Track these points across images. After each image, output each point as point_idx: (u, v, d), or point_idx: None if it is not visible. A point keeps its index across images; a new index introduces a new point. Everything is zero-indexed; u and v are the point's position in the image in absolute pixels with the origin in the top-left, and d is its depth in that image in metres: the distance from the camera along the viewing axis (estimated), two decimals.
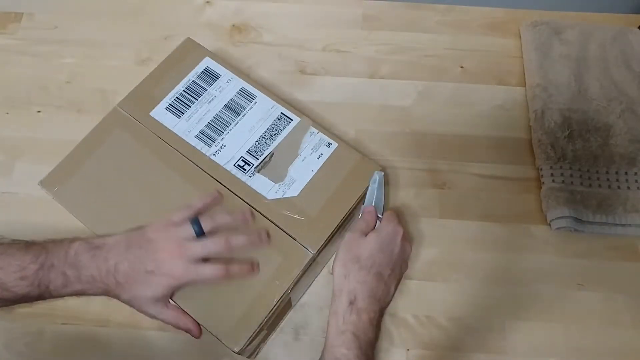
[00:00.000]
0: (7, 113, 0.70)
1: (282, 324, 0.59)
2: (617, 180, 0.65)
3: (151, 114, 0.57)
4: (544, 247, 0.63)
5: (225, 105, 0.58)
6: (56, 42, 0.74)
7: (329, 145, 0.56)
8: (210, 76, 0.60)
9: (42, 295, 0.44)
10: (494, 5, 0.79)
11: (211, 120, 0.57)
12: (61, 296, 0.45)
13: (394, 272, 0.50)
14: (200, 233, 0.48)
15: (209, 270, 0.48)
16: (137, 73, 0.61)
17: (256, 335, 0.49)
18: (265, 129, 0.57)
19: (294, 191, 0.54)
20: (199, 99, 0.58)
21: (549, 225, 0.64)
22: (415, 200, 0.65)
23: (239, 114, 0.58)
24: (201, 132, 0.57)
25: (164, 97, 0.58)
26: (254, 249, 0.50)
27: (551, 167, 0.65)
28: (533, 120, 0.69)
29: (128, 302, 0.47)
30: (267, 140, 0.56)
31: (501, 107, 0.72)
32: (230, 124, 0.57)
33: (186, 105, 0.58)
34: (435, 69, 0.74)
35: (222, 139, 0.56)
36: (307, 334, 0.58)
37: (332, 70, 0.73)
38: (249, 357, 0.55)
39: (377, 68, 0.74)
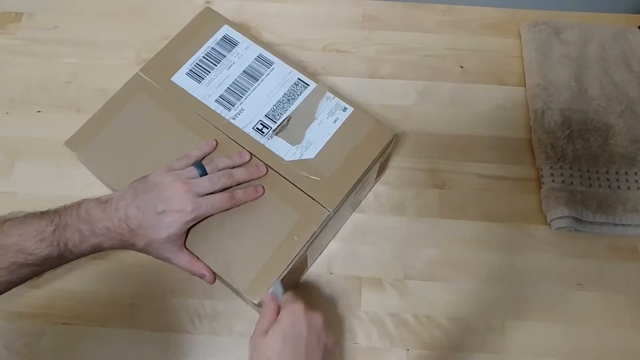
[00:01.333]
0: (7, 113, 0.70)
1: None
2: (617, 180, 0.65)
3: (172, 79, 0.59)
4: (544, 247, 0.63)
5: (244, 71, 0.60)
6: (56, 42, 0.74)
7: (344, 109, 0.57)
8: (229, 43, 0.61)
9: (63, 255, 0.45)
10: (494, 5, 0.79)
11: (230, 85, 0.59)
12: (82, 254, 0.47)
13: (311, 354, 0.45)
14: (203, 174, 0.51)
15: (217, 198, 0.50)
16: None
17: (277, 288, 0.50)
18: (283, 94, 0.58)
19: (310, 153, 0.55)
20: (218, 65, 0.60)
21: (549, 225, 0.63)
22: (415, 200, 0.65)
23: (257, 80, 0.59)
24: (221, 96, 0.58)
25: (185, 63, 0.60)
26: (254, 179, 0.53)
27: (551, 167, 0.65)
28: (533, 120, 0.69)
29: (145, 249, 0.49)
30: (285, 105, 0.58)
31: (501, 107, 0.72)
32: (249, 89, 0.59)
33: (206, 71, 0.60)
34: (435, 69, 0.74)
35: (241, 103, 0.58)
36: None
37: (332, 70, 0.73)
38: None
39: (377, 68, 0.74)
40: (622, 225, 0.63)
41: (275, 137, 0.56)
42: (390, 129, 0.57)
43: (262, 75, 0.59)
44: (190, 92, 0.58)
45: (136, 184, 0.49)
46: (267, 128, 0.56)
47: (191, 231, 0.51)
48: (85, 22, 0.76)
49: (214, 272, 0.51)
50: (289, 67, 0.60)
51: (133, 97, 0.58)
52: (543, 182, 0.65)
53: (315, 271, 0.61)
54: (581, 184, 0.64)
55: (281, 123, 0.56)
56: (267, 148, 0.55)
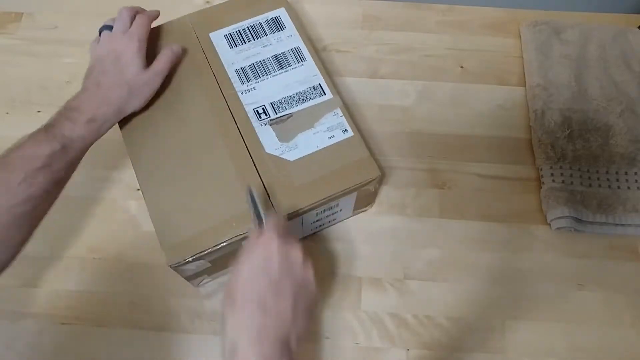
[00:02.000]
0: (7, 113, 0.70)
1: None
2: (617, 180, 0.65)
3: (210, 34, 0.61)
4: (544, 247, 0.63)
5: (275, 56, 0.61)
6: (56, 42, 0.75)
7: (345, 131, 0.57)
8: (276, 25, 0.63)
9: (66, 146, 0.48)
10: (494, 5, 0.79)
11: (256, 63, 0.60)
12: (82, 138, 0.49)
13: (284, 294, 0.40)
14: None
15: (137, 20, 0.57)
16: None
17: (195, 261, 0.51)
18: (297, 92, 0.58)
19: (291, 156, 0.55)
20: (256, 40, 0.62)
21: (549, 225, 0.64)
22: (415, 200, 0.65)
23: (282, 68, 0.60)
24: (242, 68, 0.60)
25: (228, 26, 0.62)
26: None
27: (551, 167, 0.65)
28: (533, 120, 0.69)
29: (130, 92, 0.53)
30: (294, 102, 0.58)
31: (501, 107, 0.72)
32: (270, 73, 0.60)
33: (242, 41, 0.61)
34: (435, 69, 0.74)
35: (256, 82, 0.59)
36: None
37: (332, 70, 0.73)
38: (196, 285, 0.59)
39: (377, 68, 0.74)
40: (622, 225, 0.63)
41: (269, 126, 0.56)
42: (377, 169, 0.55)
43: (290, 66, 0.60)
44: (219, 53, 0.60)
45: (88, 72, 0.54)
46: (266, 115, 0.57)
47: (152, 168, 0.54)
48: (85, 22, 0.76)
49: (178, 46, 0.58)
50: (317, 70, 0.60)
51: (171, 34, 0.62)
52: (543, 182, 0.65)
53: (315, 271, 0.61)
54: (581, 184, 0.64)
55: (280, 117, 0.57)
56: (256, 133, 0.56)
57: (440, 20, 0.78)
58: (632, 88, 0.70)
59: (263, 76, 0.59)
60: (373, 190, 0.58)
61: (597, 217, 0.63)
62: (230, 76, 0.59)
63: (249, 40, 0.61)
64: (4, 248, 0.44)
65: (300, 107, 0.57)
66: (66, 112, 0.50)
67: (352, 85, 0.72)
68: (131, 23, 0.57)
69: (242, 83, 0.59)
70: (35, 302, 0.59)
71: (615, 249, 0.63)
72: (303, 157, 0.55)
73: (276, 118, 0.57)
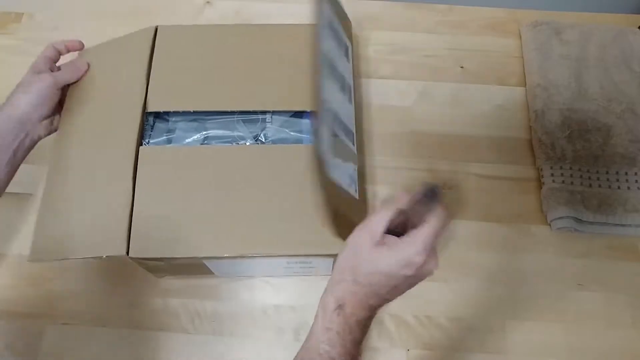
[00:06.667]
0: None
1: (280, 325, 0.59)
2: (617, 180, 0.65)
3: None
4: (544, 247, 0.63)
5: (343, 76, 0.56)
6: None
7: (355, 190, 0.53)
8: (346, 52, 0.58)
9: None
10: (494, 5, 0.79)
11: (336, 63, 0.54)
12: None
13: (393, 292, 0.43)
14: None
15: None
16: None
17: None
18: (344, 123, 0.53)
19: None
20: (341, 48, 0.57)
21: (549, 225, 0.63)
22: None
23: (343, 92, 0.55)
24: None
25: (335, 16, 0.57)
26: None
27: (551, 167, 0.65)
28: (533, 121, 0.69)
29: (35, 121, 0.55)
30: (341, 132, 0.52)
31: (501, 107, 0.72)
32: (337, 86, 0.53)
33: (336, 36, 0.55)
34: (435, 69, 0.74)
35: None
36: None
37: None
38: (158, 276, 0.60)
39: (377, 68, 0.74)
40: (622, 225, 0.63)
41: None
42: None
43: (344, 95, 0.55)
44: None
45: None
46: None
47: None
48: (85, 22, 0.76)
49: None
50: (353, 119, 0.56)
51: None
52: (543, 182, 0.65)
53: None
54: (581, 184, 0.64)
55: (335, 132, 0.52)
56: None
57: (440, 20, 0.78)
58: (632, 88, 0.70)
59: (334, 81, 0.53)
60: None
61: (597, 217, 0.63)
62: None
63: (336, 42, 0.55)
64: None
65: (343, 138, 0.53)
66: None
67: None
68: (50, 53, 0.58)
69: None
70: (35, 302, 0.59)
71: (615, 249, 0.63)
72: (334, 181, 0.50)
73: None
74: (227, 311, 0.59)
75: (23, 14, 0.77)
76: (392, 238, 0.42)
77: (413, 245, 0.40)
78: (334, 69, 0.51)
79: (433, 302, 0.60)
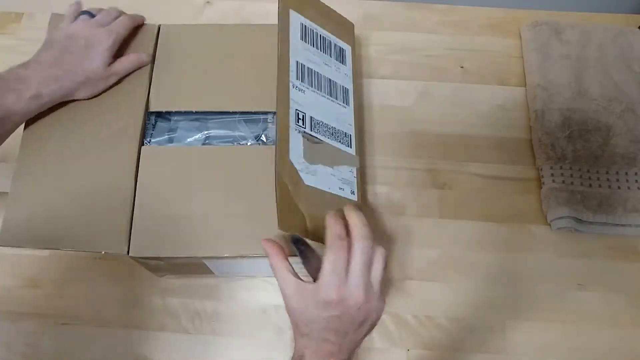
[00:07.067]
0: None
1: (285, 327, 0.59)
2: (618, 180, 0.65)
3: (292, 10, 0.57)
4: (544, 247, 0.63)
5: (330, 80, 0.57)
6: None
7: (352, 192, 0.54)
8: (340, 56, 0.60)
9: (3, 118, 0.48)
10: (494, 5, 0.79)
11: (314, 70, 0.56)
12: (22, 112, 0.50)
13: (344, 339, 0.42)
14: (93, 16, 0.57)
15: (120, 20, 0.57)
16: None
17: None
18: (333, 126, 0.55)
19: (307, 178, 0.50)
20: (322, 53, 0.58)
21: (549, 225, 0.64)
22: (415, 201, 0.65)
23: (330, 96, 0.57)
24: (302, 64, 0.55)
25: (308, 19, 0.58)
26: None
27: (551, 167, 0.65)
28: (533, 121, 0.69)
29: (86, 81, 0.53)
30: (327, 133, 0.54)
31: (501, 107, 0.72)
32: (321, 90, 0.56)
33: (312, 42, 0.57)
34: (435, 69, 0.74)
35: (307, 87, 0.54)
36: None
37: None
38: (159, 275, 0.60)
39: (377, 68, 0.74)
40: (622, 225, 0.63)
41: (300, 135, 0.52)
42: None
43: (335, 100, 0.57)
44: (290, 35, 0.55)
45: (50, 39, 0.54)
46: (303, 125, 0.52)
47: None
48: None
49: (144, 54, 0.57)
50: (353, 121, 0.58)
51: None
52: (543, 183, 0.65)
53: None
54: (581, 184, 0.64)
55: (313, 136, 0.53)
56: (289, 133, 0.51)
57: (440, 20, 0.78)
58: (632, 88, 0.70)
59: (314, 87, 0.55)
60: None
61: (597, 217, 0.63)
62: (290, 64, 0.54)
63: (317, 47, 0.58)
64: None
65: (330, 142, 0.54)
66: (13, 82, 0.49)
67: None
68: (115, 15, 0.58)
69: (297, 78, 0.54)
70: (35, 302, 0.59)
71: (615, 249, 0.63)
72: (315, 188, 0.50)
73: (309, 134, 0.52)
74: (227, 311, 0.59)
75: (23, 14, 0.77)
76: (310, 285, 0.43)
77: (318, 284, 0.41)
78: (308, 73, 0.55)
79: (433, 302, 0.60)
